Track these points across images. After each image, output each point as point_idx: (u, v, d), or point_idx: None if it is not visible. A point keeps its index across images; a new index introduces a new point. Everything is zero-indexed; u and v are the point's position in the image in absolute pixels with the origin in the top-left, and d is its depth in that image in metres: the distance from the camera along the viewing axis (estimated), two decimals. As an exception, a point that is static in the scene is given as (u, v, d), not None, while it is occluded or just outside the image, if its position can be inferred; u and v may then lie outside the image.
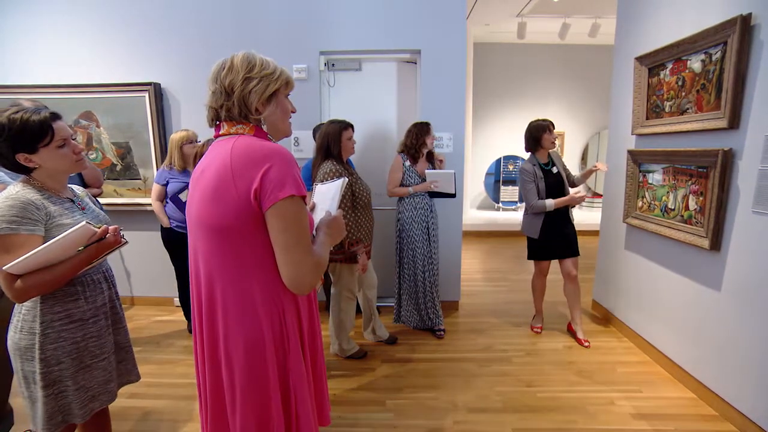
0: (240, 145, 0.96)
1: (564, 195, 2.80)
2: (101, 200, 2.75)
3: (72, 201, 1.33)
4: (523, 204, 2.91)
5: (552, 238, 2.82)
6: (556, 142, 2.87)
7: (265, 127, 1.06)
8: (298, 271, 0.96)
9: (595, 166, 2.90)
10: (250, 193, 0.93)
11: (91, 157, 3.29)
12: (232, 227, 0.95)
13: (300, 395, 1.05)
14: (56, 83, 3.20)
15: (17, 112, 1.18)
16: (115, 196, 3.37)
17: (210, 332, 1.04)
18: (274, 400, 1.01)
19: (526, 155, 2.96)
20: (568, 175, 2.97)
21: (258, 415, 1.01)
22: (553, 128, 2.82)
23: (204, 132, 2.93)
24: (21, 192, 1.19)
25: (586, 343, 2.82)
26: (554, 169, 2.84)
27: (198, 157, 2.26)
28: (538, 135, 2.80)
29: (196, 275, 1.06)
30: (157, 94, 3.23)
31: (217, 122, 1.05)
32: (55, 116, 1.24)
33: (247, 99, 1.00)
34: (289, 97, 1.13)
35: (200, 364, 1.10)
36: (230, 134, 1.02)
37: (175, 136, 2.77)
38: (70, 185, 1.39)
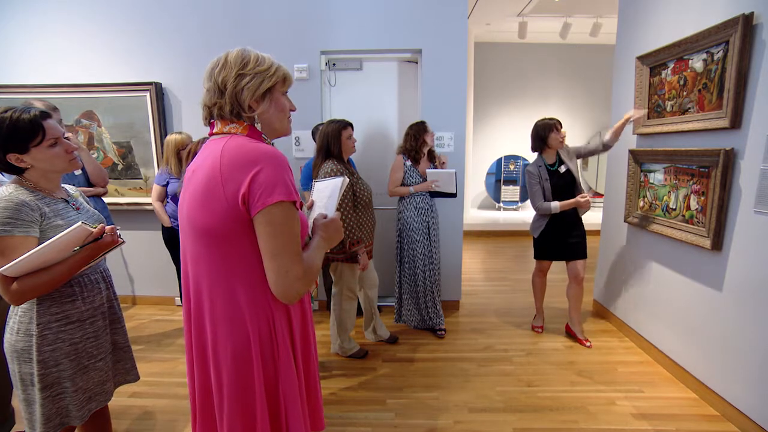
0: (230, 147, 0.93)
1: (573, 195, 2.74)
2: (103, 200, 2.75)
3: (66, 201, 1.32)
4: (525, 203, 2.88)
5: (557, 240, 2.80)
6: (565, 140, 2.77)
7: (259, 126, 1.02)
8: (285, 279, 0.92)
9: (629, 116, 2.69)
10: (238, 198, 0.90)
11: (93, 156, 3.30)
12: (220, 231, 0.93)
13: (291, 402, 1.03)
14: (57, 83, 3.21)
15: (5, 111, 1.17)
16: (117, 195, 3.38)
17: (198, 335, 1.02)
18: (259, 407, 0.99)
19: (527, 154, 2.95)
20: (596, 146, 2.82)
21: (243, 422, 1.00)
22: (561, 127, 2.74)
23: (204, 131, 2.93)
24: (14, 193, 1.17)
25: (588, 344, 2.81)
26: (561, 169, 2.77)
27: (191, 155, 2.24)
28: (544, 134, 2.72)
29: (185, 276, 1.04)
30: (159, 93, 3.23)
31: (211, 120, 1.02)
32: (46, 115, 1.22)
33: (240, 96, 0.97)
34: (290, 96, 1.09)
35: (189, 364, 1.08)
36: (223, 133, 0.99)
37: (170, 141, 2.74)
38: (64, 185, 1.37)
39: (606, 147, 2.81)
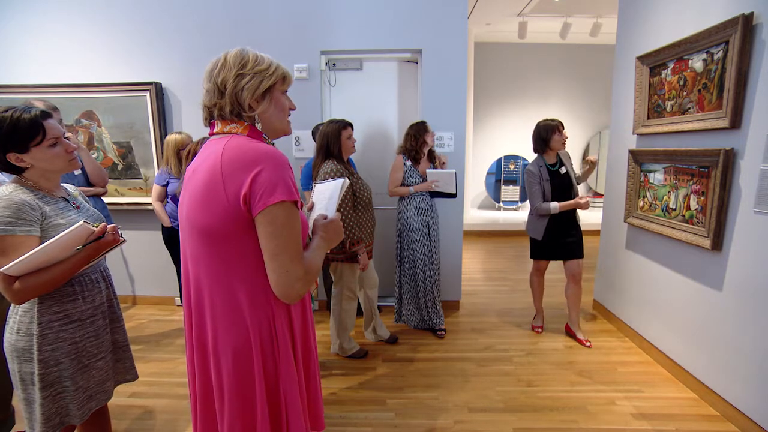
0: (231, 147, 0.93)
1: (572, 196, 2.75)
2: (103, 199, 2.75)
3: (66, 200, 1.32)
4: (525, 203, 2.89)
5: (555, 240, 2.80)
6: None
7: (259, 126, 1.02)
8: (286, 279, 0.93)
9: (588, 160, 2.85)
10: (239, 198, 0.90)
11: (93, 156, 3.30)
12: (221, 231, 0.93)
13: (291, 401, 1.03)
14: (57, 83, 3.21)
15: (6, 111, 1.17)
16: (117, 195, 3.38)
17: (199, 335, 1.02)
18: (260, 406, 0.99)
19: (527, 154, 2.95)
20: (575, 174, 2.92)
21: (243, 420, 1.00)
22: (563, 128, 2.73)
23: (204, 131, 2.93)
24: (14, 193, 1.18)
25: (588, 343, 2.81)
26: (562, 170, 2.78)
27: (191, 155, 2.23)
28: (546, 136, 2.71)
29: (185, 276, 1.04)
30: (159, 93, 3.23)
31: (212, 120, 1.02)
32: (46, 114, 1.23)
33: (240, 96, 0.97)
34: (289, 95, 1.09)
35: (189, 365, 1.08)
36: (223, 133, 0.99)
37: (170, 140, 2.75)
38: (63, 184, 1.38)
39: (578, 181, 2.91)
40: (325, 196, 1.28)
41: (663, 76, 2.51)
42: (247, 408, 1.00)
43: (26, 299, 1.17)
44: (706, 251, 2.18)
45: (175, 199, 2.82)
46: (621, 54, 3.04)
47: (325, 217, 1.14)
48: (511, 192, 7.42)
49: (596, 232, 3.62)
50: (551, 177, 2.75)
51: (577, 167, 3.08)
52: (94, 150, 3.32)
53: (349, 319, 2.66)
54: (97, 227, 1.23)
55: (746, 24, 1.88)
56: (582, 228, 2.87)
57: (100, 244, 1.24)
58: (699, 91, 2.22)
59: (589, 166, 2.86)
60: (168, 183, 2.81)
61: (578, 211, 2.82)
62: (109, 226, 1.27)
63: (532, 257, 2.97)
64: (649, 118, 2.66)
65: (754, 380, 1.91)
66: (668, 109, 2.47)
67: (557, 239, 2.80)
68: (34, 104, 1.57)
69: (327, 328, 3.04)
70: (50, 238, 1.13)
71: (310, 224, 1.16)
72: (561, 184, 2.76)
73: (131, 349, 1.56)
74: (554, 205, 2.70)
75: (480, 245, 5.88)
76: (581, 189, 7.65)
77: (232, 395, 0.99)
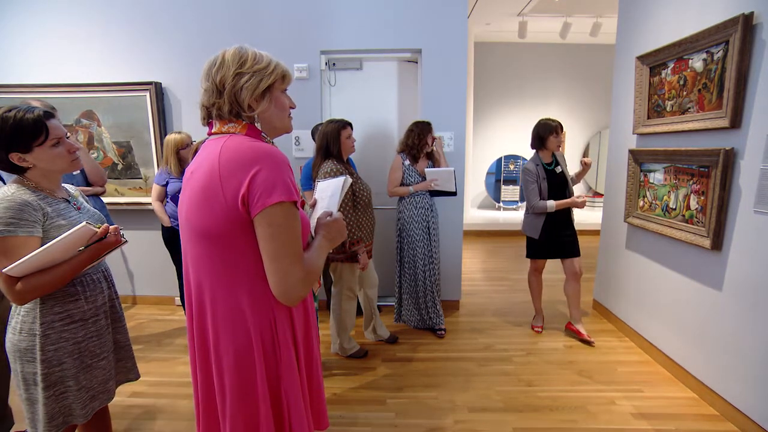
0: (229, 147, 0.91)
1: (567, 195, 2.79)
2: (103, 199, 2.75)
3: (67, 201, 1.32)
4: (524, 203, 2.90)
5: (552, 239, 2.81)
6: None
7: (259, 125, 1.00)
8: (285, 281, 0.91)
9: (582, 161, 2.89)
10: (237, 199, 0.88)
11: (93, 156, 3.29)
12: (220, 233, 0.91)
13: (293, 403, 1.02)
14: (57, 82, 3.21)
15: (10, 110, 1.17)
16: (117, 195, 3.38)
17: (200, 337, 1.02)
18: (263, 408, 0.99)
19: (527, 154, 2.96)
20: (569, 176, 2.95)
21: (246, 421, 0.99)
22: (561, 130, 2.77)
23: (204, 131, 2.93)
24: (16, 193, 1.18)
25: (591, 339, 2.81)
26: (557, 169, 2.81)
27: (193, 155, 2.24)
28: (544, 135, 2.76)
29: (186, 278, 1.04)
30: (158, 93, 3.23)
31: (210, 120, 1.01)
32: (49, 114, 1.23)
33: (239, 95, 0.95)
34: (289, 95, 1.08)
35: (192, 365, 1.08)
36: (222, 133, 0.97)
37: (169, 140, 2.74)
38: (64, 185, 1.38)
39: (572, 182, 2.94)
40: (327, 194, 1.27)
41: (663, 75, 2.51)
42: (249, 409, 1.00)
43: (28, 300, 1.17)
44: (706, 251, 2.18)
45: (175, 199, 2.81)
46: (621, 54, 3.04)
47: (329, 215, 1.13)
48: (510, 192, 7.43)
49: (596, 232, 3.62)
50: (547, 176, 2.77)
51: (575, 168, 3.10)
52: (94, 150, 3.32)
53: (348, 318, 2.66)
54: (99, 228, 1.23)
55: (746, 24, 1.88)
56: (582, 228, 2.88)
57: (103, 245, 1.24)
58: (699, 90, 2.22)
59: (583, 167, 2.89)
60: (168, 183, 2.81)
61: (573, 209, 2.83)
62: (111, 227, 1.27)
63: (529, 257, 2.97)
64: (649, 117, 2.66)
65: (754, 379, 1.91)
66: (668, 108, 2.47)
67: (554, 238, 2.81)
68: (32, 104, 1.57)
69: (327, 327, 3.03)
70: (52, 239, 1.13)
71: (313, 223, 1.15)
72: (557, 183, 2.78)
73: (132, 349, 1.56)
74: (551, 204, 2.71)
75: (480, 245, 5.88)
76: (579, 189, 7.65)
77: (234, 396, 0.99)
